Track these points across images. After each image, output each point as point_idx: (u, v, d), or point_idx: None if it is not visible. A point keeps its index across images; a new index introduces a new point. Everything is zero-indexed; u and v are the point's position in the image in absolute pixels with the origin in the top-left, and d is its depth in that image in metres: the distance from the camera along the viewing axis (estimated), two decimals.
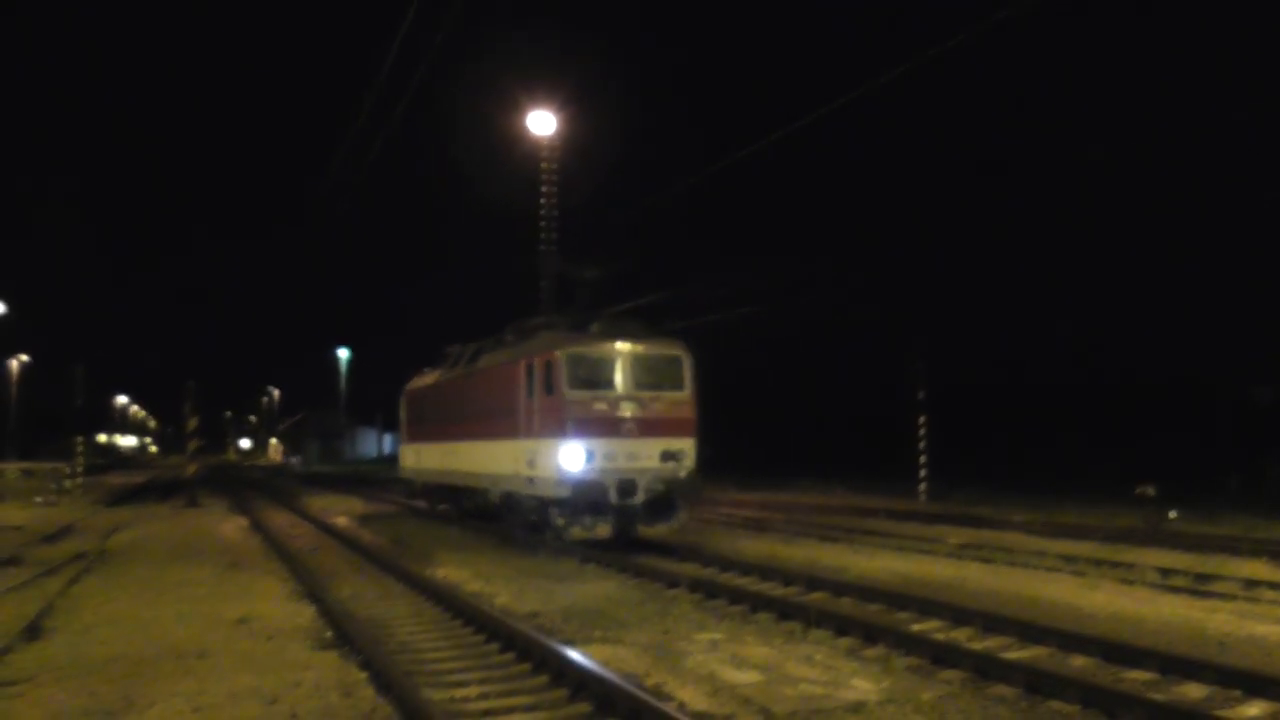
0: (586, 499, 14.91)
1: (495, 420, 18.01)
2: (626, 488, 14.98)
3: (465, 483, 20.47)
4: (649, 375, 15.85)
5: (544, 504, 15.97)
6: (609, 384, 15.54)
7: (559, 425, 15.29)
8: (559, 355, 15.43)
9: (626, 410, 15.48)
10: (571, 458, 15.08)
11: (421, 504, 25.01)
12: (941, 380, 27.77)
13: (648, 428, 15.56)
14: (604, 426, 15.28)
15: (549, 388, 15.62)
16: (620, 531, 15.51)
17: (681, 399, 15.97)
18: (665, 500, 15.35)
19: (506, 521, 18.24)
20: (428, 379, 24.40)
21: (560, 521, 15.41)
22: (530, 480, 16.30)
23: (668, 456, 15.54)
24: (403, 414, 26.60)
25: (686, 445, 15.81)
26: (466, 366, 20.78)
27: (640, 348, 15.96)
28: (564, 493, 15.02)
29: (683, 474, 15.62)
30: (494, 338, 20.01)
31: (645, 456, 15.43)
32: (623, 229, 30.80)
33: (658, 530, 15.79)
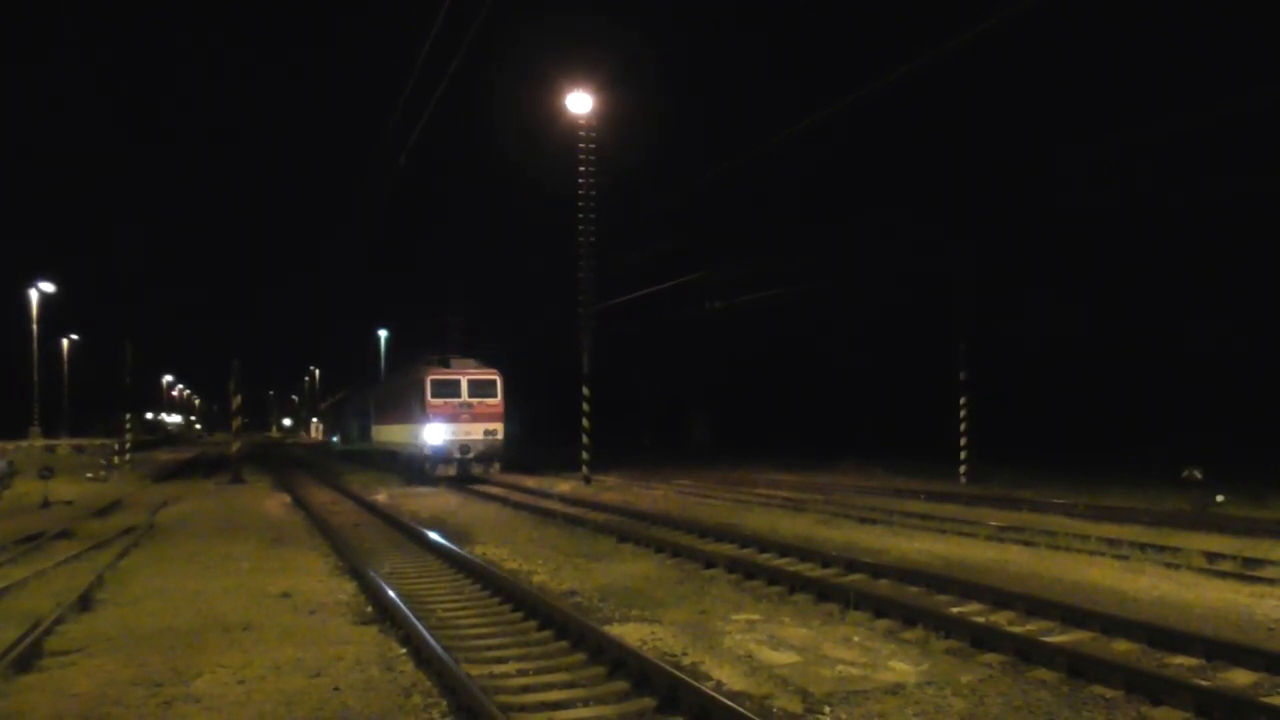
0: (442, 456, 28.12)
1: (404, 412, 31.57)
2: (464, 450, 28.12)
3: (394, 449, 34.01)
4: (478, 388, 28.64)
5: (422, 459, 28.76)
6: (456, 394, 28.34)
7: (428, 416, 28.13)
8: (427, 379, 28.40)
9: (464, 408, 28.29)
10: (434, 434, 28.05)
11: (386, 467, 35.91)
12: (983, 361, 27.41)
13: (476, 417, 28.37)
14: (452, 416, 28.13)
15: (422, 395, 28.40)
16: (462, 473, 28.14)
17: (496, 402, 28.80)
18: (487, 456, 28.60)
19: (410, 469, 30.52)
20: (385, 386, 39.81)
21: (428, 467, 28.36)
22: (417, 446, 29.17)
23: (488, 433, 28.51)
24: (371, 406, 41.06)
25: (499, 427, 28.74)
26: (397, 380, 35.82)
27: (473, 374, 28.75)
28: (430, 453, 28.20)
29: (496, 442, 28.64)
30: (412, 364, 32.87)
31: (475, 433, 28.30)
32: (664, 210, 30.56)
33: (485, 471, 28.50)
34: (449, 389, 28.20)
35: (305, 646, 8.13)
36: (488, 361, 29.90)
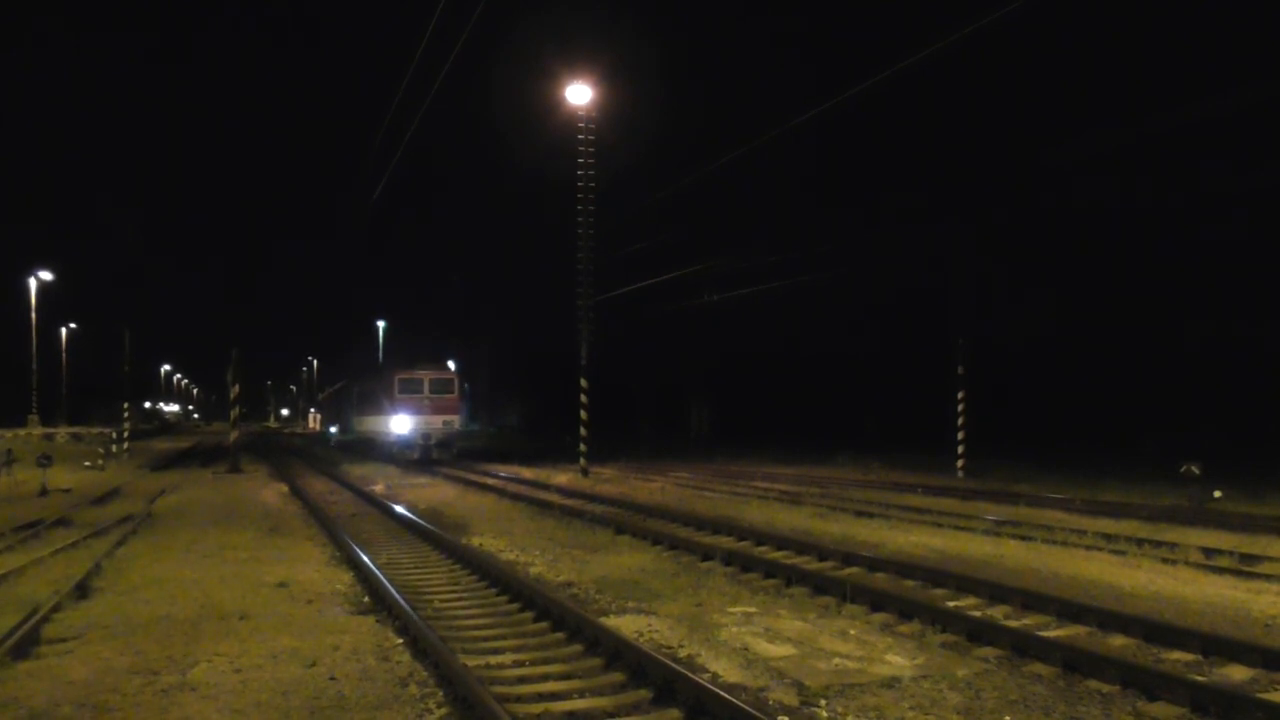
0: (408, 442, 34.26)
1: (377, 405, 37.56)
2: (426, 437, 34.22)
3: (370, 436, 39.87)
4: (438, 385, 35.05)
5: (392, 443, 34.96)
6: (419, 390, 34.64)
7: (396, 409, 34.38)
8: (394, 378, 34.94)
9: (426, 401, 34.52)
10: (402, 424, 34.31)
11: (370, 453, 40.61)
12: (981, 356, 27.41)
13: (437, 410, 34.61)
14: (417, 409, 34.38)
15: (391, 392, 34.74)
16: (424, 456, 33.53)
17: (453, 397, 35.26)
18: (445, 443, 34.94)
19: (384, 452, 35.94)
20: (363, 383, 44.68)
21: (396, 450, 34.29)
22: (388, 433, 35.27)
23: (446, 423, 34.82)
24: (354, 400, 46.93)
25: (455, 418, 35.33)
26: (373, 379, 40.97)
27: (433, 374, 35.20)
28: (396, 439, 34.45)
29: (453, 431, 35.24)
30: (386, 365, 41.53)
31: (436, 422, 34.49)
32: (664, 201, 30.58)
33: (444, 454, 34.32)
34: (413, 386, 34.66)
35: (302, 636, 8.13)
36: (444, 364, 36.78)
